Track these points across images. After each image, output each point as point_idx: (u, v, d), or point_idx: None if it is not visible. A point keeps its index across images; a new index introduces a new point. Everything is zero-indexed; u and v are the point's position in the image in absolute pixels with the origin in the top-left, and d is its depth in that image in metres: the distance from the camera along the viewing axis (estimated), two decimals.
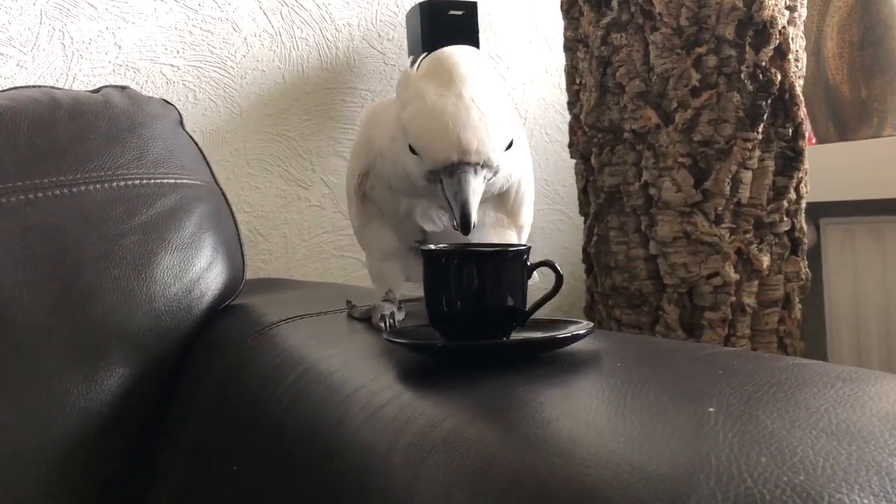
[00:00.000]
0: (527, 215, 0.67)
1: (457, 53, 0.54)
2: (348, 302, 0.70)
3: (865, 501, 0.26)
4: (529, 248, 0.51)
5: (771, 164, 1.03)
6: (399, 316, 0.63)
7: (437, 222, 0.63)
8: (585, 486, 0.30)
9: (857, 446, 0.30)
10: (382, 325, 0.59)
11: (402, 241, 0.67)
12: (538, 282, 0.58)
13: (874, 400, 0.35)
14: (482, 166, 0.52)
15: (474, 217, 0.51)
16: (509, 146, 0.54)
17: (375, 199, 0.67)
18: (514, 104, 1.41)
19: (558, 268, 0.50)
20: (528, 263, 0.50)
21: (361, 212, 0.67)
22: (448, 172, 0.52)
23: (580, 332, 0.48)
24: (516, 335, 0.50)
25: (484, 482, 0.33)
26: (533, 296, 0.51)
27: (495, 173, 0.54)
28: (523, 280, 0.50)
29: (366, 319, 0.65)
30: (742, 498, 0.27)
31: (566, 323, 0.52)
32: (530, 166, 0.65)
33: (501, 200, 0.63)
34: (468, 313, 0.49)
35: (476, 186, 0.52)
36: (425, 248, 0.51)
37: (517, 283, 0.49)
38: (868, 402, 0.34)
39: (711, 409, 0.34)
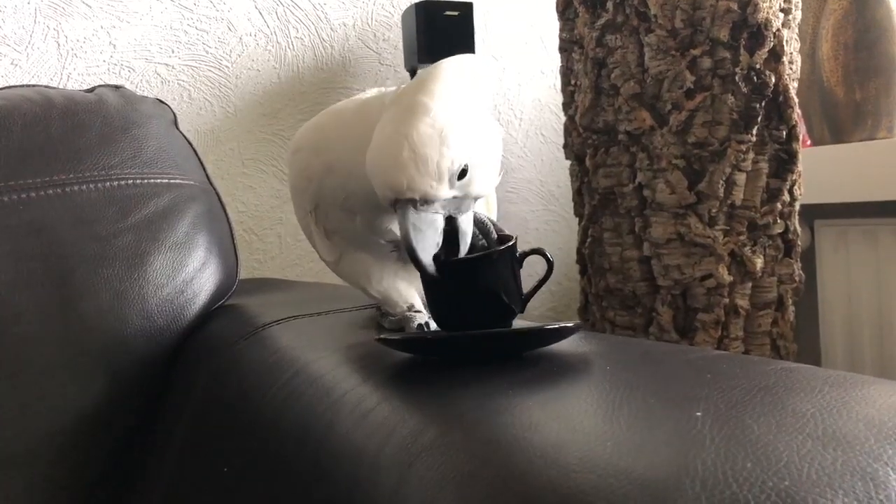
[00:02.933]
0: (490, 189, 0.65)
1: (431, 78, 0.53)
2: (378, 309, 0.69)
3: None
4: (515, 238, 0.51)
5: (765, 167, 1.03)
6: (433, 325, 0.62)
7: (395, 232, 0.63)
8: (571, 490, 0.30)
9: (843, 451, 0.30)
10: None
11: (382, 255, 0.66)
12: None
13: (861, 405, 0.35)
14: (424, 202, 0.51)
15: (422, 255, 0.50)
16: (462, 175, 0.52)
17: (333, 228, 0.65)
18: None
19: (548, 255, 0.51)
20: (519, 253, 0.51)
21: (329, 245, 0.66)
22: (393, 209, 0.51)
23: (568, 324, 0.48)
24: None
25: (471, 487, 0.33)
26: (526, 285, 0.52)
27: (457, 199, 0.53)
28: (515, 273, 0.51)
29: (398, 330, 0.64)
30: (727, 503, 0.27)
31: (555, 322, 0.52)
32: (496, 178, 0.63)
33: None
34: (466, 317, 0.50)
35: (417, 222, 0.50)
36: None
37: (509, 278, 0.50)
38: (855, 408, 0.35)
39: (699, 414, 0.34)
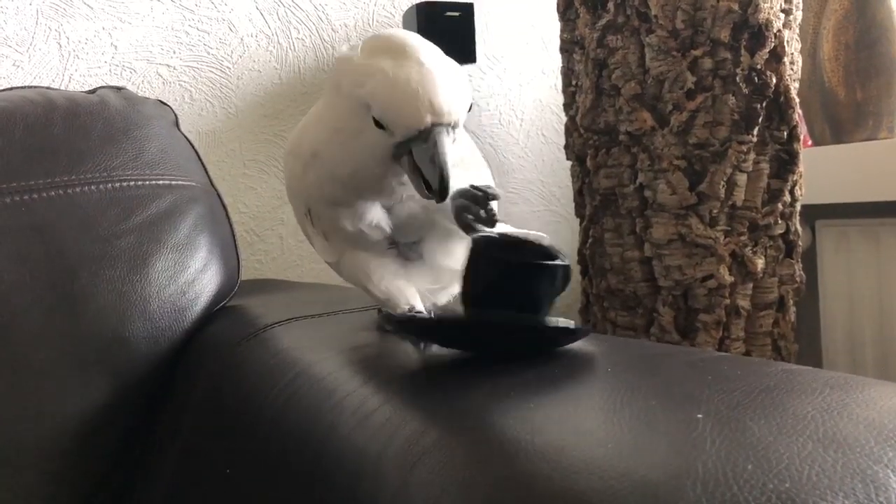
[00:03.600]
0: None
1: (397, 32, 0.55)
2: (380, 311, 0.69)
3: None
4: (569, 264, 0.50)
5: (766, 167, 1.03)
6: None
7: (381, 226, 0.62)
8: (573, 493, 0.30)
9: (843, 454, 0.30)
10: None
11: (381, 251, 0.65)
12: None
13: (861, 407, 0.35)
14: (453, 128, 0.52)
15: (451, 178, 0.51)
16: (469, 109, 0.54)
17: (328, 229, 0.65)
18: (501, 98, 1.41)
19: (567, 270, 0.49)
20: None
21: (328, 247, 0.66)
22: (423, 137, 0.51)
23: (582, 326, 0.48)
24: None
25: (472, 489, 0.33)
26: None
27: (454, 139, 0.54)
28: (557, 291, 0.49)
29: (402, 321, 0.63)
30: None
31: (564, 324, 0.51)
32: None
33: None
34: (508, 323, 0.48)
35: (450, 149, 0.51)
36: (477, 237, 0.50)
37: (550, 295, 0.49)
38: (855, 410, 0.35)
39: (700, 416, 0.34)
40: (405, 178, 0.56)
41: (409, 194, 0.59)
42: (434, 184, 0.51)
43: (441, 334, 0.50)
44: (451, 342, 0.50)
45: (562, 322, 0.49)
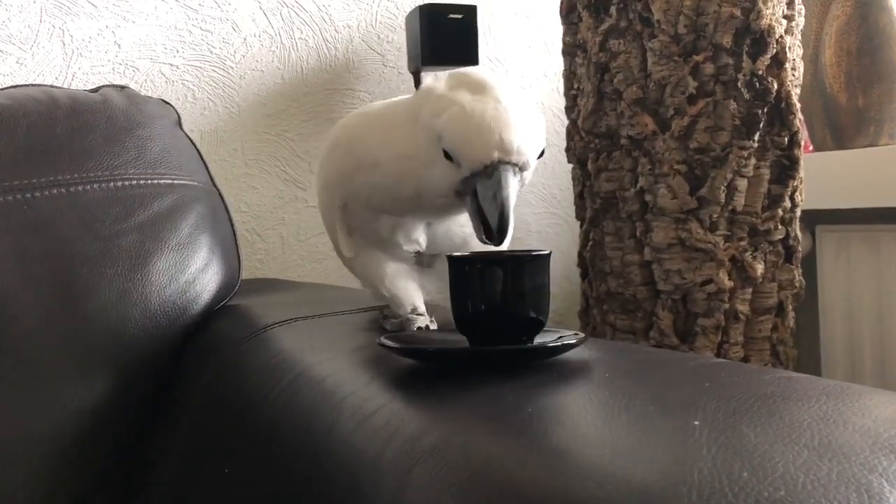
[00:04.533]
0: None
1: (481, 70, 0.56)
2: (381, 311, 0.70)
3: None
4: (550, 253, 0.51)
5: (766, 173, 1.03)
6: (433, 327, 0.62)
7: (419, 241, 0.64)
8: (570, 498, 0.30)
9: (838, 462, 0.30)
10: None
11: (399, 257, 0.66)
12: None
13: (857, 416, 0.35)
14: (520, 169, 0.52)
15: (511, 220, 0.51)
16: (541, 155, 0.54)
17: (356, 225, 0.66)
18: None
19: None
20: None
21: (350, 242, 0.67)
22: (487, 173, 0.51)
23: (571, 342, 0.49)
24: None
25: (470, 493, 0.33)
26: None
27: (522, 184, 0.54)
28: (545, 284, 0.50)
29: (398, 332, 0.64)
30: None
31: (558, 332, 0.52)
32: None
33: None
34: (492, 319, 0.49)
35: (515, 188, 0.51)
36: (452, 256, 0.52)
37: (539, 287, 0.50)
38: (851, 418, 0.35)
39: (697, 422, 0.35)
40: (465, 217, 0.57)
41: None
42: (493, 222, 0.51)
43: (419, 357, 0.52)
44: (430, 362, 0.52)
45: (550, 341, 0.50)
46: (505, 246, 0.55)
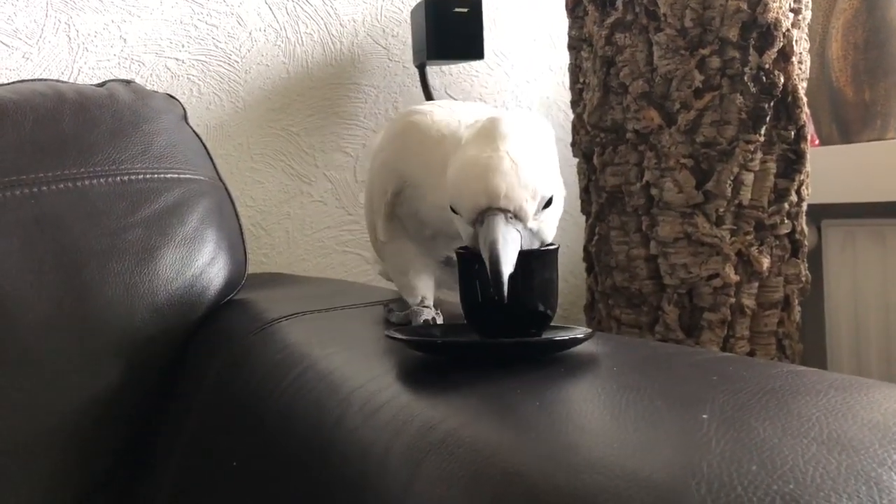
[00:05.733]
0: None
1: (507, 116, 0.55)
2: (385, 305, 0.70)
3: None
4: (558, 248, 0.51)
5: (773, 167, 1.03)
6: (439, 320, 0.63)
7: (450, 253, 0.65)
8: (579, 491, 0.30)
9: (847, 455, 0.30)
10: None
11: (430, 255, 0.68)
12: None
13: (866, 409, 0.35)
14: (514, 216, 0.50)
15: (505, 267, 0.48)
16: (548, 204, 0.52)
17: (401, 217, 0.67)
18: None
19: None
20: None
21: (388, 228, 0.68)
22: (479, 221, 0.50)
23: (578, 336, 0.49)
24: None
25: (478, 486, 0.33)
26: None
27: (532, 232, 0.52)
28: (553, 278, 0.50)
29: (404, 324, 0.64)
30: None
31: (565, 328, 0.52)
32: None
33: None
34: (500, 313, 0.49)
35: (506, 234, 0.49)
36: (460, 251, 0.52)
37: (547, 282, 0.50)
38: (860, 412, 0.35)
39: (705, 416, 0.35)
40: None
41: None
42: (488, 268, 0.49)
43: (427, 350, 0.52)
44: (439, 356, 0.52)
45: (560, 334, 0.50)
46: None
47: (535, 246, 0.52)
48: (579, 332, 0.50)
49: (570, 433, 0.35)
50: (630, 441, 0.34)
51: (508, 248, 0.49)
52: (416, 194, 0.63)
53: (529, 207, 0.51)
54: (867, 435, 0.32)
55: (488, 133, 0.53)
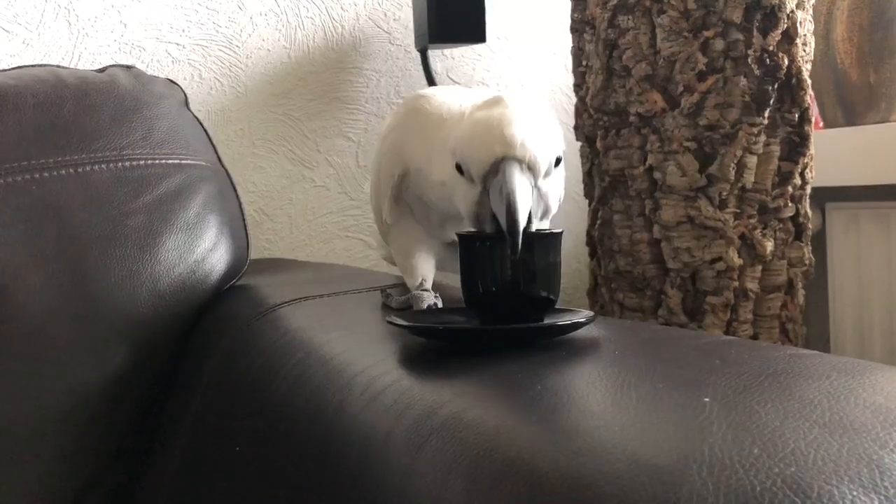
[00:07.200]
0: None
1: (511, 93, 0.56)
2: (383, 290, 0.70)
3: (855, 493, 0.27)
4: (562, 232, 0.51)
5: (776, 150, 1.02)
6: (439, 305, 0.63)
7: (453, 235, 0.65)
8: (579, 474, 0.30)
9: (849, 438, 0.30)
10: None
11: (434, 237, 0.68)
12: None
13: (868, 392, 0.35)
14: (529, 168, 0.50)
15: (521, 217, 0.47)
16: (557, 163, 0.53)
17: (408, 201, 0.67)
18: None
19: None
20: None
21: (394, 210, 0.68)
22: (494, 171, 0.50)
23: (580, 320, 0.48)
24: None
25: (479, 470, 0.33)
26: None
27: (540, 195, 0.52)
28: (556, 262, 0.50)
29: (404, 309, 0.64)
30: (733, 488, 0.27)
31: (567, 311, 0.52)
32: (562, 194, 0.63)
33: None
34: (502, 297, 0.49)
35: (522, 185, 0.49)
36: (461, 233, 0.52)
37: (551, 266, 0.50)
38: (862, 394, 0.35)
39: (707, 399, 0.35)
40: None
41: None
42: (502, 220, 0.48)
43: (429, 336, 0.52)
44: (441, 341, 0.52)
45: (560, 319, 0.49)
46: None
47: (541, 212, 0.53)
48: (581, 315, 0.50)
49: (570, 417, 0.35)
50: (631, 424, 0.34)
51: (523, 196, 0.48)
52: (421, 177, 0.63)
53: (543, 160, 0.51)
54: (869, 417, 0.32)
55: (496, 101, 0.53)
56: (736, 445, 0.30)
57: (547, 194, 0.53)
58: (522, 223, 0.48)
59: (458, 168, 0.53)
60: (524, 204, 0.48)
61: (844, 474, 0.28)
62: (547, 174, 0.52)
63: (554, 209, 0.55)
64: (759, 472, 0.28)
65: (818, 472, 0.28)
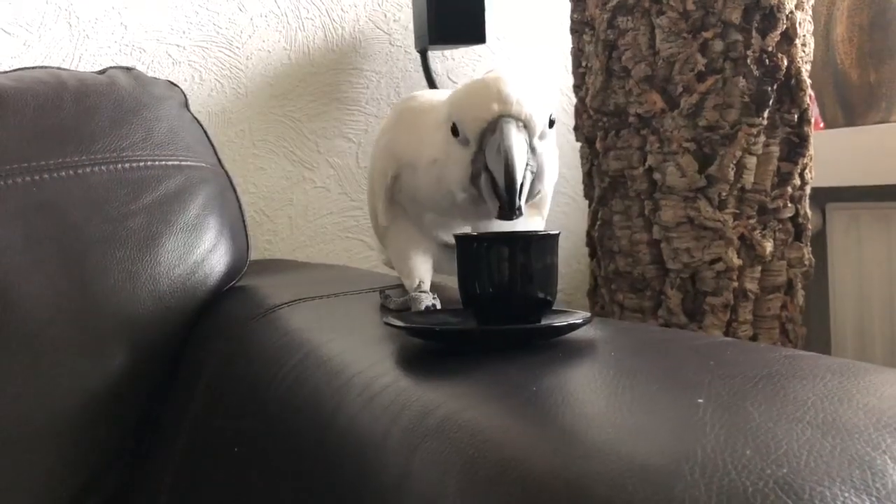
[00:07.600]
0: (548, 206, 0.68)
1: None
2: (382, 292, 0.71)
3: (846, 495, 0.27)
4: (559, 234, 0.51)
5: (776, 150, 1.02)
6: (437, 306, 0.63)
7: (446, 237, 0.66)
8: (573, 475, 0.30)
9: (842, 440, 0.30)
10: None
11: (430, 239, 0.69)
12: None
13: (862, 393, 0.35)
14: (525, 126, 0.51)
15: (519, 175, 0.48)
16: (551, 125, 0.54)
17: (401, 201, 0.68)
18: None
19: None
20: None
21: (389, 212, 0.68)
22: (490, 129, 0.50)
23: (576, 321, 0.49)
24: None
25: (474, 471, 0.33)
26: None
27: (534, 169, 0.53)
28: (553, 264, 0.50)
29: (403, 310, 0.64)
30: (725, 489, 0.27)
31: (564, 312, 0.52)
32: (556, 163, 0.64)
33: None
34: (500, 298, 0.50)
35: (519, 142, 0.49)
36: (459, 234, 0.52)
37: (548, 268, 0.50)
38: (856, 396, 0.35)
39: (701, 401, 0.35)
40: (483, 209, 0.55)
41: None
42: (499, 179, 0.50)
43: (426, 337, 0.52)
44: (438, 342, 0.52)
45: (556, 320, 0.50)
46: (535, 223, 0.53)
47: (537, 188, 0.54)
48: (578, 316, 0.50)
49: (565, 419, 0.35)
50: (625, 426, 0.34)
51: (522, 155, 0.49)
52: (412, 175, 0.63)
53: (538, 118, 0.51)
54: (862, 419, 0.32)
55: (489, 71, 0.56)
56: (729, 447, 0.30)
57: (541, 155, 0.54)
58: (519, 179, 0.49)
59: (454, 131, 0.53)
60: (521, 160, 0.49)
61: (836, 476, 0.28)
62: (542, 136, 0.52)
63: (548, 174, 0.56)
64: (751, 473, 0.28)
65: (810, 474, 0.28)
